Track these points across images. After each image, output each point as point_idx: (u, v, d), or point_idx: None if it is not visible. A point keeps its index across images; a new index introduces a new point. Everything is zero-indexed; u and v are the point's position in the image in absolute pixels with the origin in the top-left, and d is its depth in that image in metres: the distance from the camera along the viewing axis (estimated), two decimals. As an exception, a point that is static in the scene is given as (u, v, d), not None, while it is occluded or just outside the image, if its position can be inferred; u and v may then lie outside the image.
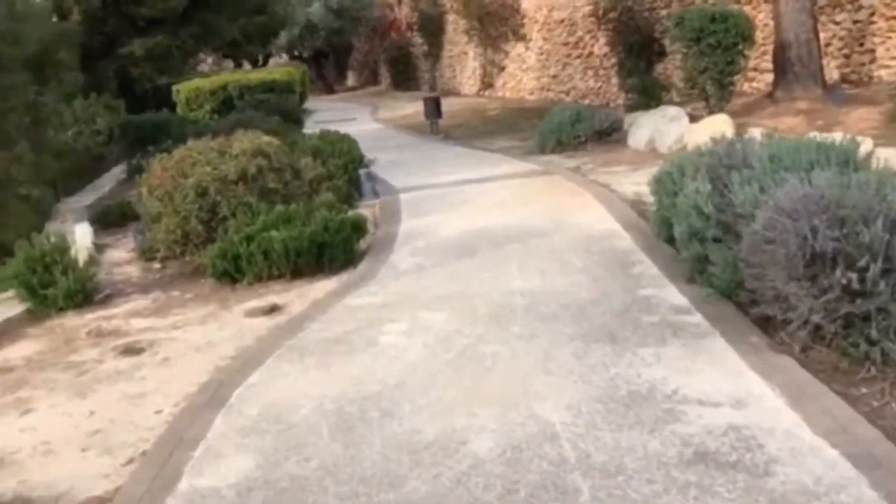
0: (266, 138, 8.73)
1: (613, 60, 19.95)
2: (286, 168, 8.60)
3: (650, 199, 9.15)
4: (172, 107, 21.92)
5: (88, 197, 14.44)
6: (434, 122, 17.91)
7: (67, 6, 21.52)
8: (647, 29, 18.40)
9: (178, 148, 8.72)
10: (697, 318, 5.54)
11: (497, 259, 7.43)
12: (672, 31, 13.04)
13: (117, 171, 16.10)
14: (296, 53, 35.72)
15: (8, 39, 10.79)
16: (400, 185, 11.77)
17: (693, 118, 12.86)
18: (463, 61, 28.21)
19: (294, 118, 16.09)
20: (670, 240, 7.28)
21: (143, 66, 23.63)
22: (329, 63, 38.19)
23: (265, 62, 36.92)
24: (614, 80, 20.04)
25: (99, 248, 9.99)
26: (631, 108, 15.67)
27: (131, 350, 6.39)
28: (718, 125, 11.63)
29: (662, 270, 6.63)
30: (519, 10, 24.14)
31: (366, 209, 10.67)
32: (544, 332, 5.52)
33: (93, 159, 16.79)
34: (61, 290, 7.51)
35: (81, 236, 9.65)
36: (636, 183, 10.51)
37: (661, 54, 18.34)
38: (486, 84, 26.26)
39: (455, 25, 28.26)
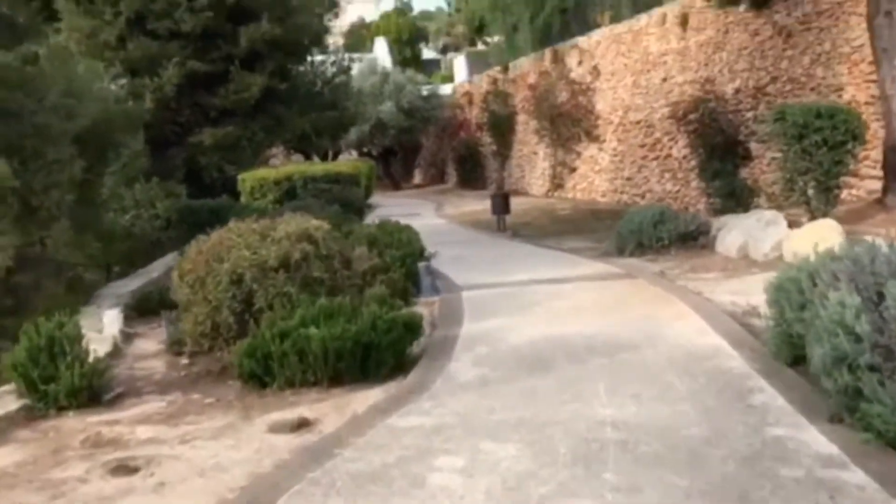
0: (315, 222, 7.61)
1: (693, 163, 18.68)
2: (335, 256, 7.43)
3: (750, 309, 7.79)
4: (237, 196, 21.38)
5: (135, 282, 13.51)
6: (501, 219, 16.78)
7: (140, 92, 21.42)
8: (732, 131, 17.15)
9: (218, 230, 7.64)
10: (859, 475, 4.02)
11: (578, 377, 6.01)
12: (772, 127, 11.72)
13: (170, 258, 15.24)
14: (365, 150, 35.48)
15: (60, 113, 10.13)
16: (463, 282, 10.51)
17: (792, 224, 11.39)
18: (532, 161, 27.32)
19: (356, 209, 15.13)
20: (795, 362, 5.82)
21: (212, 156, 23.31)
22: (397, 160, 37.85)
23: (335, 157, 36.73)
24: (694, 184, 18.73)
25: (128, 337, 8.88)
26: (717, 213, 14.30)
27: (124, 468, 5.10)
28: (824, 231, 10.16)
29: (793, 403, 5.13)
30: (593, 111, 23.24)
31: (423, 307, 9.39)
32: (649, 484, 4.06)
33: (151, 244, 16.06)
34: (64, 385, 6.33)
35: (109, 324, 8.58)
36: (732, 292, 9.08)
37: (747, 157, 17.03)
38: (556, 185, 25.21)
39: (525, 126, 27.52)
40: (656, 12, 20.16)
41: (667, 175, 19.88)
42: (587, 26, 23.93)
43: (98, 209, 13.23)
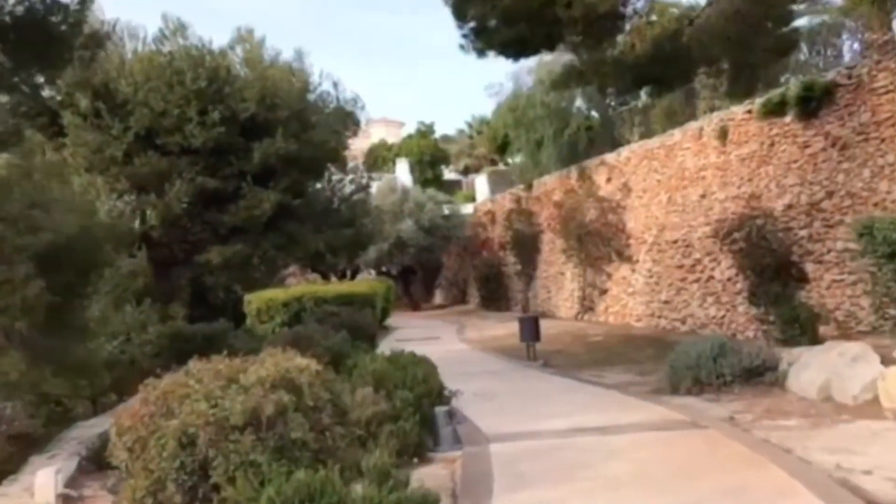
0: (301, 361, 5.78)
1: (739, 286, 16.86)
2: (324, 407, 5.56)
3: (862, 475, 5.82)
4: (243, 318, 19.75)
5: (107, 422, 11.64)
6: (531, 346, 14.87)
7: (145, 209, 20.15)
8: (784, 250, 15.40)
9: (172, 374, 5.84)
10: None
11: None
12: (863, 244, 9.89)
13: None
14: (384, 269, 33.99)
15: (18, 226, 8.61)
16: (490, 430, 8.53)
17: (885, 359, 9.42)
18: (559, 282, 25.57)
19: (366, 334, 13.32)
20: None
21: (220, 275, 21.78)
22: (417, 280, 36.29)
23: (353, 276, 35.26)
24: (741, 308, 16.83)
25: (68, 502, 6.97)
26: (778, 343, 12.35)
27: None
28: (931, 369, 8.23)
29: None
30: (624, 230, 21.62)
31: (441, 465, 7.43)
32: None
33: (141, 373, 14.26)
34: None
35: (41, 487, 6.68)
36: (831, 449, 7.10)
37: (802, 279, 15.20)
38: (586, 307, 23.34)
39: (551, 245, 25.94)
40: (691, 126, 18.81)
41: (709, 299, 18.00)
42: (614, 143, 22.67)
43: (72, 336, 11.57)
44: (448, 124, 79.78)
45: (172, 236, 22.76)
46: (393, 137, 54.93)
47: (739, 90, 14.72)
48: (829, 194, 14.61)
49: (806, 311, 12.43)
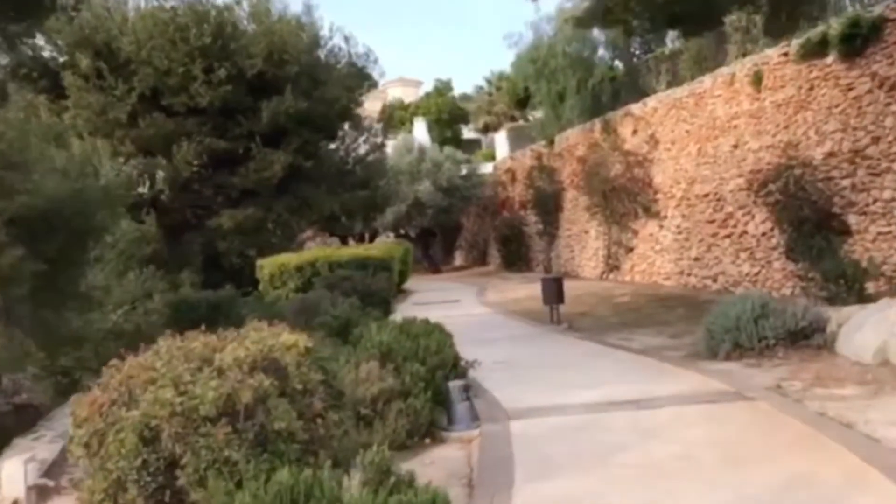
0: (288, 337, 4.93)
1: (775, 241, 15.83)
2: (315, 390, 4.72)
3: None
4: (257, 284, 19.02)
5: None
6: (555, 309, 13.97)
7: (151, 174, 19.35)
8: (824, 202, 14.33)
9: (144, 353, 5.02)
10: None
11: None
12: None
13: None
14: (402, 231, 33.12)
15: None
16: (511, 404, 7.68)
17: (949, 318, 8.45)
18: (583, 241, 24.58)
19: (380, 300, 12.49)
20: None
21: (232, 240, 21.02)
22: (436, 242, 35.40)
23: (371, 239, 34.46)
24: (777, 264, 15.81)
25: (43, 494, 6.25)
26: (824, 301, 11.36)
27: None
28: None
29: None
30: (651, 185, 20.54)
31: (457, 446, 6.61)
32: None
33: (147, 343, 13.59)
34: None
35: (8, 479, 5.95)
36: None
37: (845, 233, 14.14)
38: (611, 266, 22.38)
39: (574, 202, 24.89)
40: (722, 73, 17.61)
41: (742, 255, 16.97)
42: (640, 93, 21.47)
43: (67, 306, 10.86)
44: (467, 84, 78.13)
45: (183, 201, 21.97)
46: (410, 97, 53.69)
47: (778, 26, 13.49)
48: (875, 140, 13.45)
49: (852, 266, 11.40)
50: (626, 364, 9.44)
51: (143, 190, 19.68)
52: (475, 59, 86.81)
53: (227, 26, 20.17)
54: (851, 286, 11.10)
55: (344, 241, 33.42)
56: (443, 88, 51.43)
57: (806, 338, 9.46)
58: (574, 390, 8.06)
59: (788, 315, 9.44)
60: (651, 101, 20.70)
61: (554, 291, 13.73)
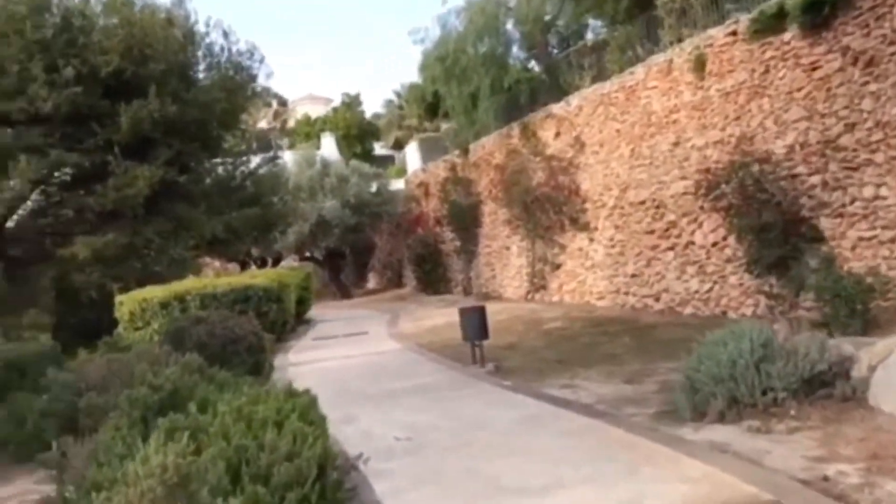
0: None
1: (729, 251, 13.30)
2: None
3: None
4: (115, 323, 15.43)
5: None
6: (479, 346, 10.99)
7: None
8: (789, 204, 11.84)
9: None
10: None
11: None
12: None
13: None
14: (308, 254, 29.77)
15: None
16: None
17: None
18: (504, 258, 21.78)
19: (250, 349, 9.25)
20: None
21: (91, 272, 17.36)
22: (347, 264, 32.17)
23: (275, 263, 30.97)
24: (733, 279, 13.27)
25: None
26: (821, 327, 8.70)
27: None
28: None
29: None
30: (578, 193, 17.91)
31: None
32: None
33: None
34: None
35: None
36: None
37: (816, 239, 11.66)
38: (537, 286, 19.63)
39: (494, 216, 22.11)
40: (657, 61, 15.11)
41: (689, 269, 14.42)
42: (562, 91, 18.86)
43: None
44: (377, 104, 75.13)
45: (26, 228, 18.21)
46: (321, 115, 50.35)
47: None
48: (850, 127, 11.04)
49: (852, 281, 8.75)
50: (582, 440, 6.47)
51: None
52: (385, 77, 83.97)
53: (74, 16, 16.61)
54: (853, 308, 8.46)
55: (244, 267, 29.83)
56: (351, 103, 48.25)
57: (824, 385, 6.71)
58: (517, 500, 5.05)
59: (801, 356, 6.65)
60: (574, 100, 18.11)
61: (476, 325, 10.75)
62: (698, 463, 5.37)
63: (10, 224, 17.74)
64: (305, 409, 5.37)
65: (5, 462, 7.85)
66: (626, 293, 16.27)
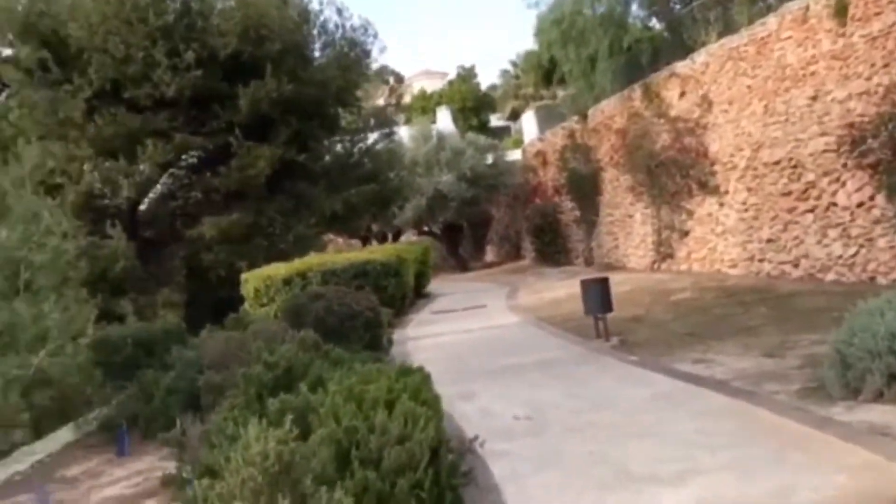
0: None
1: (878, 212, 12.13)
2: None
3: None
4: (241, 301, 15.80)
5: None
6: (602, 319, 10.47)
7: (110, 180, 16.17)
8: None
9: None
10: None
11: None
12: None
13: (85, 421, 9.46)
14: (425, 228, 29.78)
15: None
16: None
17: None
18: (627, 226, 20.96)
19: (367, 324, 9.13)
20: None
21: (219, 251, 17.86)
22: (465, 237, 32.00)
23: (395, 238, 31.21)
24: (882, 242, 12.10)
25: None
26: None
27: None
28: None
29: None
30: (706, 155, 16.88)
31: None
32: None
33: (69, 395, 10.44)
34: None
35: None
36: None
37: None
38: (663, 255, 18.75)
39: (615, 183, 21.29)
40: (791, 8, 13.92)
41: (831, 233, 13.28)
42: (686, 49, 17.79)
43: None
44: (493, 74, 74.25)
45: (158, 211, 18.91)
46: (436, 89, 50.28)
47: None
48: None
49: None
50: (719, 421, 5.91)
51: (109, 201, 16.61)
52: (502, 47, 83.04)
53: (193, 1, 17.00)
54: None
55: (365, 243, 30.23)
56: (466, 75, 47.89)
57: None
58: (647, 487, 4.60)
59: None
60: (700, 56, 17.04)
61: (599, 298, 10.23)
62: (857, 448, 4.74)
63: (142, 207, 18.59)
64: (417, 387, 5.09)
65: (136, 438, 8.04)
66: (761, 260, 15.25)
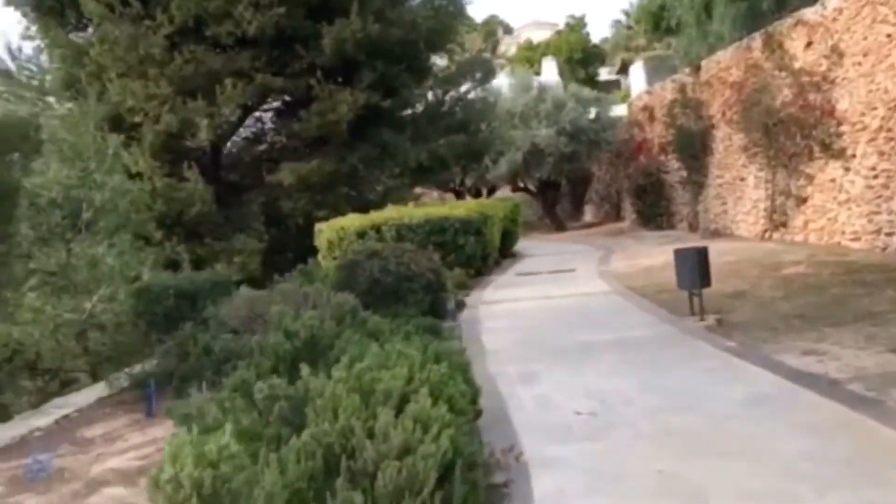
0: None
1: None
2: None
3: None
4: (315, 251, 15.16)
5: (22, 426, 7.37)
6: (697, 295, 9.16)
7: (189, 121, 15.67)
8: None
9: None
10: None
11: None
12: None
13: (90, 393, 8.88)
14: (521, 185, 28.49)
15: None
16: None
17: None
18: (738, 190, 19.13)
19: (426, 288, 8.17)
20: None
21: (298, 199, 17.28)
22: (563, 195, 30.54)
23: (490, 194, 30.15)
24: None
25: None
26: None
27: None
28: None
29: None
30: (833, 114, 14.93)
31: None
32: None
33: (116, 344, 10.01)
34: None
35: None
36: None
37: None
38: (776, 223, 16.95)
39: (727, 142, 19.43)
40: (950, -59, 11.84)
41: (981, 206, 11.36)
42: (816, -8, 15.72)
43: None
44: (606, 25, 70.88)
45: (242, 155, 18.44)
46: (543, 40, 48.31)
47: None
48: None
49: None
50: (832, 441, 4.65)
51: (189, 143, 16.18)
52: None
53: (276, -67, 16.17)
54: None
55: (459, 196, 29.29)
56: (575, 26, 45.75)
57: None
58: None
59: None
60: (833, 1, 14.98)
61: (694, 270, 8.91)
62: None
63: (225, 150, 18.17)
64: (443, 378, 4.08)
65: (170, 397, 7.41)
66: (891, 234, 13.39)
